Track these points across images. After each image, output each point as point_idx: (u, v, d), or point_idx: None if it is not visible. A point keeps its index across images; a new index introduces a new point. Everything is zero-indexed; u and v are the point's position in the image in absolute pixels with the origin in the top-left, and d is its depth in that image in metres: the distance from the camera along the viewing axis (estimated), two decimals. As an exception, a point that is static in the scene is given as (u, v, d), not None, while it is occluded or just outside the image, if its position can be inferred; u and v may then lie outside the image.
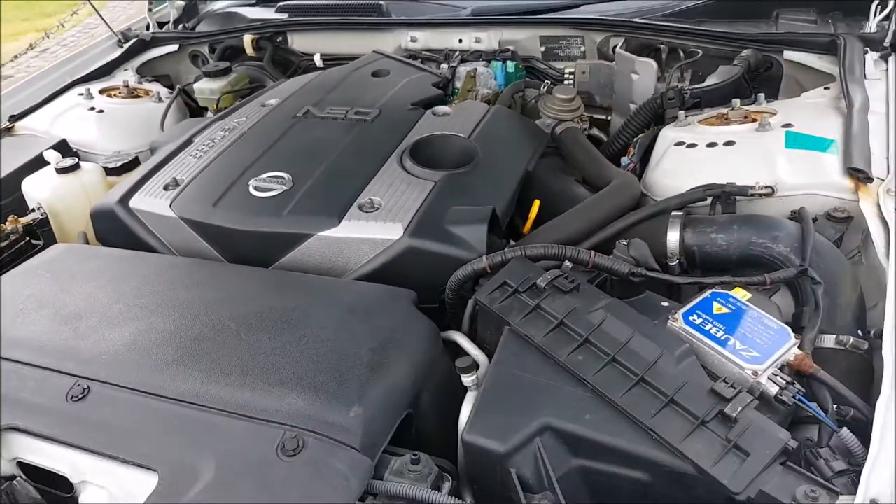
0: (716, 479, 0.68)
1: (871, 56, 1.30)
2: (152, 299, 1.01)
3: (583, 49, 1.60)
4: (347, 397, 0.80)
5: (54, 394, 0.87)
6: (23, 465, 0.86)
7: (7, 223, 1.31)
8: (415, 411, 0.85)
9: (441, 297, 1.01)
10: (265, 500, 0.71)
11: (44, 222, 1.35)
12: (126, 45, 1.90)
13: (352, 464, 0.74)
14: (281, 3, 1.91)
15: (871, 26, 1.38)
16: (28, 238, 1.34)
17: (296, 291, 1.00)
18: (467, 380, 0.85)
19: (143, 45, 1.90)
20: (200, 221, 1.13)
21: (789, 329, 0.81)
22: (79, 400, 0.86)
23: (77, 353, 0.92)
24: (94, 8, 1.86)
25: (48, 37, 4.08)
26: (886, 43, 1.30)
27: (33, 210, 1.36)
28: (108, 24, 1.89)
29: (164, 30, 1.98)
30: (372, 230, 1.05)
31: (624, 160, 1.30)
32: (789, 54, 1.38)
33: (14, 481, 0.84)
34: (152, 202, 1.19)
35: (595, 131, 1.57)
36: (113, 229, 1.21)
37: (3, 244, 1.29)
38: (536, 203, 1.16)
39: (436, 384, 0.89)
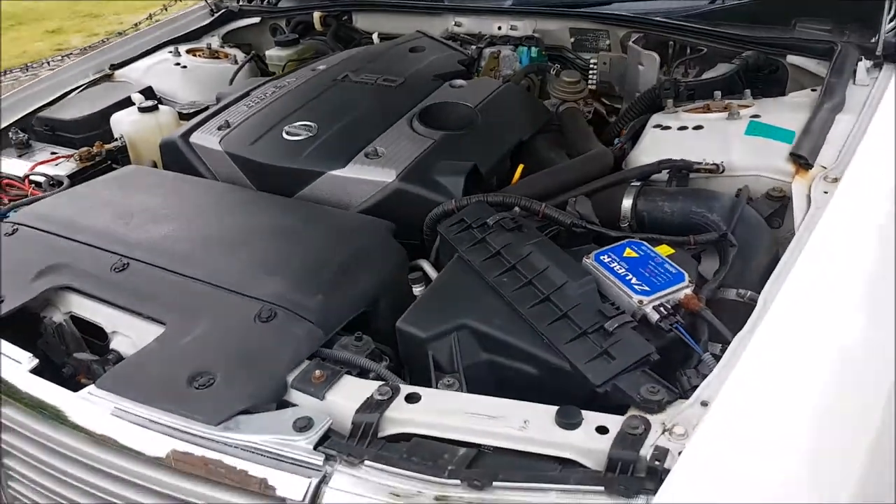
0: (584, 375, 0.84)
1: (865, 64, 1.38)
2: (190, 209, 1.25)
3: (608, 42, 1.74)
4: (315, 287, 1.00)
5: (102, 266, 1.11)
6: (73, 318, 1.11)
7: (94, 147, 1.60)
8: (372, 312, 1.04)
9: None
10: (240, 349, 0.93)
11: (123, 150, 1.63)
12: (216, 14, 2.18)
13: (307, 333, 0.94)
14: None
15: (878, 39, 1.45)
16: (109, 162, 1.62)
17: (299, 214, 1.22)
18: (416, 290, 1.03)
19: (230, 15, 2.18)
20: (240, 156, 1.37)
21: (687, 275, 0.95)
22: (119, 271, 1.10)
23: (125, 239, 1.16)
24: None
25: (166, 10, 4.56)
26: (878, 52, 1.37)
27: (116, 140, 1.64)
28: (204, -8, 2.19)
29: (250, 4, 2.24)
30: (371, 173, 1.25)
31: (616, 141, 1.44)
32: (791, 58, 1.48)
33: (62, 323, 1.08)
34: (207, 138, 1.44)
35: (614, 119, 1.71)
36: (175, 159, 1.47)
37: (89, 164, 1.58)
38: (521, 167, 1.32)
39: (395, 295, 1.07)
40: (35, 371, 0.99)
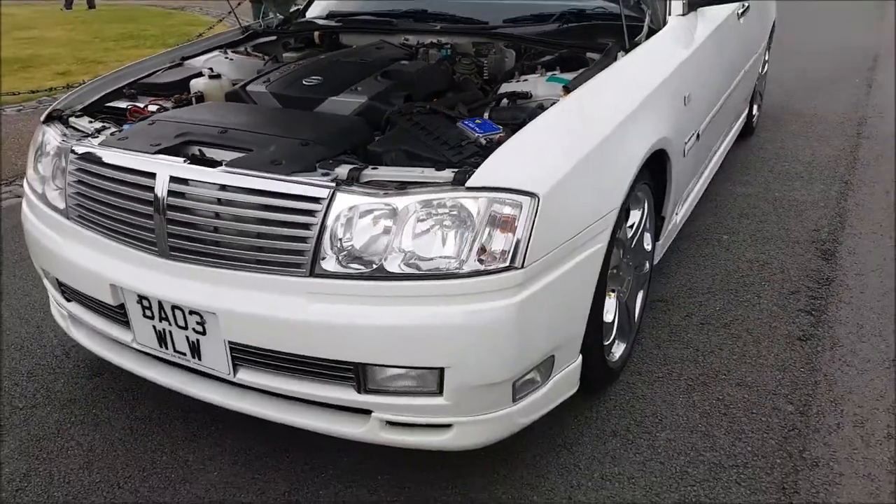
0: (452, 161, 1.91)
1: (622, 54, 2.53)
2: (255, 112, 2.32)
3: (493, 49, 2.88)
4: (327, 135, 2.07)
5: (212, 132, 2.15)
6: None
7: (183, 95, 2.66)
8: (354, 153, 2.10)
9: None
10: (291, 155, 1.97)
11: (200, 98, 2.68)
12: (245, 34, 3.29)
13: (323, 150, 2.00)
14: (337, 17, 3.29)
15: (626, 42, 2.59)
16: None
17: (318, 114, 2.30)
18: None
19: (255, 35, 3.29)
20: (279, 93, 2.44)
21: (502, 128, 2.05)
22: (223, 133, 2.14)
23: (222, 122, 2.20)
24: (231, 7, 3.27)
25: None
26: (626, 47, 2.53)
27: (195, 94, 2.70)
28: (238, 18, 3.30)
29: (269, 28, 3.36)
30: (353, 97, 2.33)
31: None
32: (589, 54, 2.63)
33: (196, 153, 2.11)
34: (258, 87, 2.50)
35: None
36: (236, 101, 2.53)
37: (180, 104, 2.63)
38: (435, 100, 2.42)
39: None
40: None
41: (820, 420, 2.36)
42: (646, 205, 2.51)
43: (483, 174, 1.79)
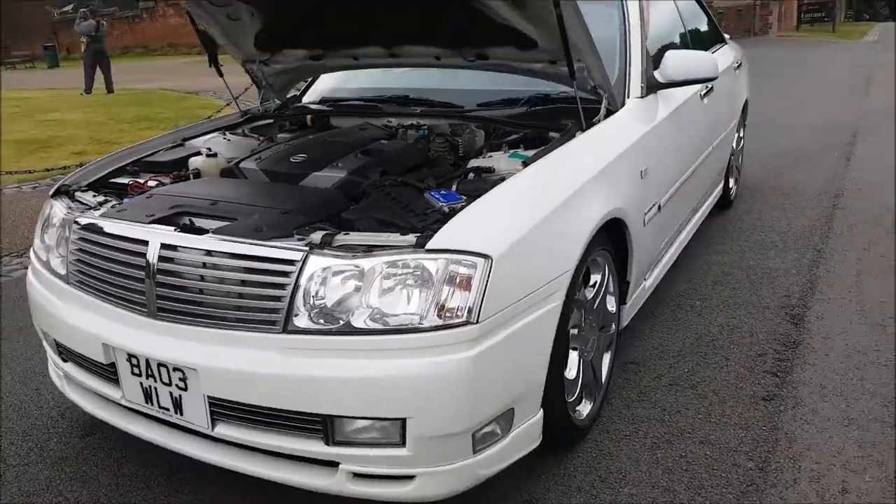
0: (417, 228, 2.11)
1: (580, 134, 2.76)
2: (245, 186, 2.54)
3: (468, 130, 3.14)
4: (308, 206, 2.28)
5: (203, 204, 2.37)
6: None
7: (182, 172, 2.90)
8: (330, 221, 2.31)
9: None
10: (273, 223, 2.17)
11: (197, 174, 2.92)
12: (244, 117, 3.58)
13: (303, 219, 2.20)
14: (329, 103, 3.58)
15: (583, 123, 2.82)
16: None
17: (301, 188, 2.52)
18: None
19: (253, 118, 3.58)
20: (269, 169, 2.67)
21: (464, 198, 2.25)
22: (213, 205, 2.35)
23: (212, 195, 2.42)
24: (232, 96, 3.56)
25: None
26: (583, 128, 2.76)
27: (192, 171, 2.94)
28: (237, 103, 3.59)
29: (266, 112, 3.65)
30: (334, 173, 2.55)
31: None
32: (552, 133, 2.87)
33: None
34: (250, 164, 2.74)
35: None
36: (230, 177, 2.77)
37: (179, 180, 2.87)
38: (407, 174, 2.64)
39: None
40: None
41: (778, 475, 2.45)
42: (606, 269, 2.68)
43: (442, 238, 1.98)
